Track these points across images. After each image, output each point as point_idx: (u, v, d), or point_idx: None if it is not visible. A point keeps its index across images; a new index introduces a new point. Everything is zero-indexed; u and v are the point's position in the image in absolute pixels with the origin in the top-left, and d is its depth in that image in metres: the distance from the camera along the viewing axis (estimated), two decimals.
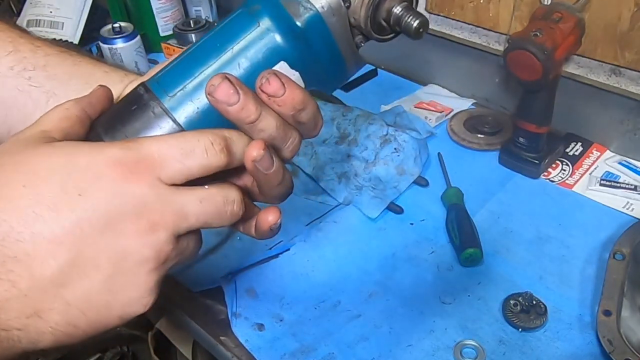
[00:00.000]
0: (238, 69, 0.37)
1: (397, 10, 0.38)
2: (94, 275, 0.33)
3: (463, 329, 0.62)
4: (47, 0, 1.16)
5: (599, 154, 0.85)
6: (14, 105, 0.46)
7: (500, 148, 0.85)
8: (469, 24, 0.94)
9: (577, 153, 0.85)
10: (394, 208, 0.78)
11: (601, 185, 0.79)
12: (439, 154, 0.86)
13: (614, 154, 0.85)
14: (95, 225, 0.32)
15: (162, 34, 1.19)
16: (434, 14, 0.98)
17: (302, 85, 0.38)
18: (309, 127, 0.39)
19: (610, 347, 0.57)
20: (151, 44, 1.17)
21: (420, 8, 0.99)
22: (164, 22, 1.18)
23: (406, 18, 0.37)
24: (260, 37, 0.37)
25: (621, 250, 0.67)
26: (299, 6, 0.36)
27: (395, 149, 0.81)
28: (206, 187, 0.36)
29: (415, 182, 0.81)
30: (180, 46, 1.13)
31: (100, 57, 0.52)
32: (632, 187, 0.78)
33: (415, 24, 0.38)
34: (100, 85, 0.42)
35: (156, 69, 0.44)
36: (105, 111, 0.40)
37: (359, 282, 0.68)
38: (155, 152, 0.34)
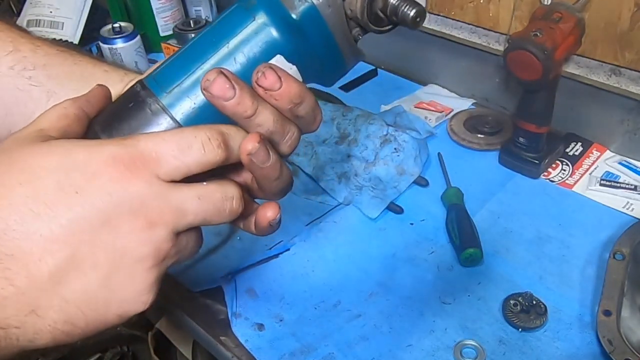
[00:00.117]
0: (234, 64, 0.37)
1: (394, 0, 0.37)
2: (92, 273, 0.33)
3: (463, 329, 0.62)
4: (47, 0, 1.16)
5: (599, 154, 0.85)
6: (15, 105, 0.46)
7: (500, 148, 0.85)
8: (469, 24, 0.94)
9: (577, 153, 0.85)
10: (394, 208, 0.78)
11: (601, 185, 0.79)
12: (439, 154, 0.86)
13: (614, 154, 0.85)
14: (92, 223, 0.32)
15: (162, 34, 1.19)
16: (434, 14, 0.98)
17: (300, 79, 0.38)
18: (307, 121, 0.39)
19: (610, 347, 0.57)
20: (151, 44, 1.17)
21: None
22: (164, 22, 1.18)
23: (403, 8, 0.37)
24: (256, 31, 0.37)
25: (621, 250, 0.67)
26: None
27: (395, 149, 0.81)
28: (204, 183, 0.36)
29: (415, 182, 0.81)
30: (180, 46, 1.13)
31: (100, 57, 0.52)
32: (632, 187, 0.78)
33: (412, 14, 0.37)
34: (98, 85, 0.42)
35: (155, 67, 0.44)
36: (103, 110, 0.40)
37: (359, 282, 0.68)
38: (152, 149, 0.34)
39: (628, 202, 0.76)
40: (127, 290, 0.34)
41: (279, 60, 0.37)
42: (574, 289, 0.66)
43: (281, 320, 0.64)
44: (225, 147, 0.35)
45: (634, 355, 0.56)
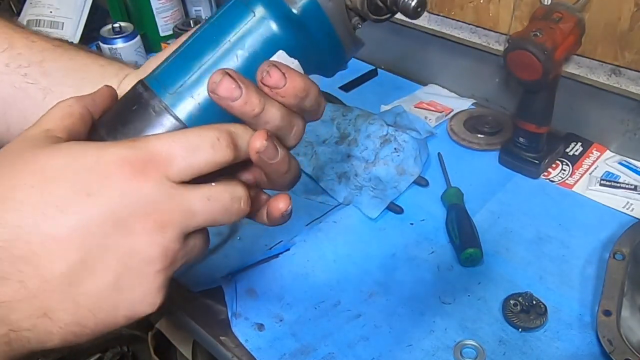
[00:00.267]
0: (236, 61, 0.37)
1: None
2: (103, 275, 0.33)
3: (463, 329, 0.62)
4: (47, 0, 1.16)
5: (599, 154, 0.85)
6: (12, 103, 0.46)
7: (500, 148, 0.85)
8: (469, 24, 0.94)
9: (577, 153, 0.85)
10: (394, 208, 0.78)
11: (601, 185, 0.79)
12: (439, 154, 0.86)
13: (614, 154, 0.85)
14: (103, 225, 0.32)
15: (162, 34, 1.19)
16: (434, 14, 0.98)
17: (302, 72, 0.38)
18: (312, 112, 0.39)
19: (610, 347, 0.57)
20: (151, 44, 1.17)
21: None
22: (164, 22, 1.18)
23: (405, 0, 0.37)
24: (257, 26, 0.37)
25: (621, 250, 0.67)
26: None
27: (395, 149, 0.81)
28: (213, 184, 0.36)
29: (415, 182, 0.81)
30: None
31: (97, 51, 0.52)
32: (632, 187, 0.78)
33: (413, 4, 0.37)
34: (105, 85, 0.42)
35: (153, 62, 0.43)
36: (107, 111, 0.40)
37: (359, 282, 0.68)
38: (161, 150, 0.34)
39: (628, 202, 0.76)
40: (136, 292, 0.34)
41: (280, 56, 0.37)
42: (574, 289, 0.66)
43: (281, 320, 0.64)
44: (234, 147, 0.35)
45: (634, 355, 0.56)
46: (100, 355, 1.07)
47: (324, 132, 0.85)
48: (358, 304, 0.66)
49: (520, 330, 0.62)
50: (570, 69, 0.85)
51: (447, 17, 0.96)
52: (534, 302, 0.63)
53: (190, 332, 0.67)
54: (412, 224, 0.76)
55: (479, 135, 0.89)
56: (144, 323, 0.94)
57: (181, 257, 0.35)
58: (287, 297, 0.67)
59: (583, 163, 0.84)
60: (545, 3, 0.80)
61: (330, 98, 0.97)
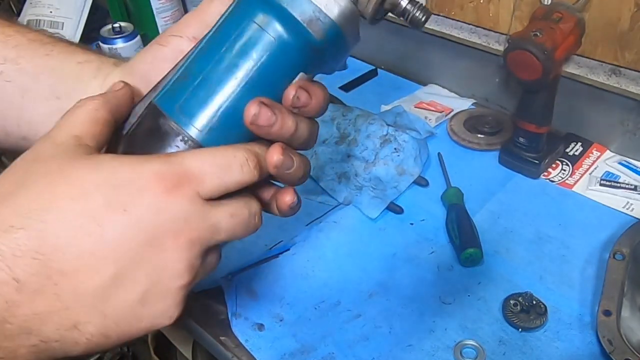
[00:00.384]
0: (262, 89, 0.37)
1: (404, 3, 0.38)
2: (132, 289, 0.34)
3: (463, 329, 0.62)
4: (47, 0, 1.16)
5: (599, 154, 0.85)
6: None
7: (500, 148, 0.85)
8: (469, 24, 0.94)
9: (577, 153, 0.85)
10: (394, 208, 0.78)
11: (601, 185, 0.79)
12: (439, 154, 0.86)
13: (614, 154, 0.85)
14: (138, 241, 0.33)
15: None
16: (434, 14, 0.98)
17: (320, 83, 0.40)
18: (323, 112, 0.41)
19: (610, 347, 0.57)
20: None
21: None
22: (164, 22, 1.18)
23: (414, 12, 0.38)
24: (281, 55, 0.37)
25: (621, 250, 0.67)
26: (317, 22, 0.36)
27: (395, 149, 0.81)
28: (233, 200, 0.37)
29: (415, 182, 0.81)
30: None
31: (78, 44, 0.50)
32: (632, 187, 0.78)
33: (423, 19, 0.39)
34: (122, 82, 0.41)
35: (139, 59, 0.43)
36: (128, 135, 0.40)
37: (359, 282, 0.68)
38: (195, 168, 0.35)
39: (628, 202, 0.76)
40: (159, 306, 0.35)
41: (301, 77, 0.38)
42: (574, 289, 0.66)
43: (281, 320, 0.64)
44: (260, 168, 0.37)
45: (634, 355, 0.56)
46: (100, 355, 1.07)
47: (324, 132, 0.85)
48: (358, 304, 0.66)
49: (520, 330, 0.62)
50: (570, 69, 0.85)
51: (447, 17, 0.96)
52: (534, 302, 0.63)
53: (190, 332, 0.67)
54: (412, 224, 0.76)
55: (479, 135, 0.89)
56: None
57: (201, 273, 0.37)
58: (287, 297, 0.67)
59: (583, 163, 0.84)
60: (545, 3, 0.80)
61: (330, 98, 0.97)
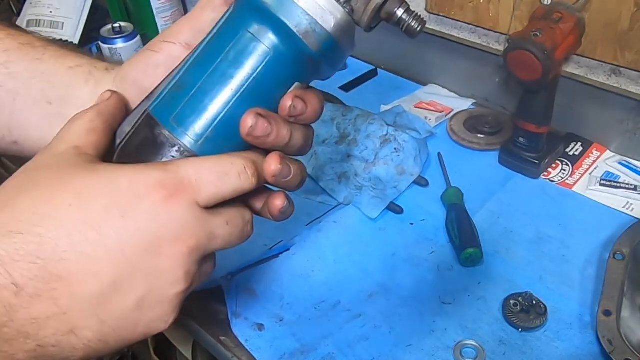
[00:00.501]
0: (258, 99, 0.37)
1: (399, 12, 0.38)
2: (130, 294, 0.34)
3: (463, 329, 0.62)
4: (47, 0, 1.16)
5: (599, 154, 0.85)
6: None
7: (500, 148, 0.85)
8: (468, 24, 0.94)
9: (577, 153, 0.85)
10: (394, 208, 0.78)
11: (601, 185, 0.79)
12: (439, 154, 0.86)
13: (614, 154, 0.85)
14: (136, 247, 0.33)
15: None
16: (434, 14, 0.98)
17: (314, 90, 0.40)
18: (319, 117, 0.41)
19: (610, 347, 0.57)
20: None
21: (420, 8, 0.99)
22: (164, 22, 1.18)
23: (409, 21, 0.39)
24: (276, 66, 0.37)
25: (621, 250, 0.67)
26: (313, 33, 0.36)
27: (395, 149, 0.81)
28: (228, 208, 0.37)
29: (415, 182, 0.81)
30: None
31: (71, 47, 0.49)
32: (632, 187, 0.78)
33: (418, 28, 0.39)
34: (113, 93, 0.42)
35: (131, 65, 0.43)
36: (123, 144, 0.40)
37: (359, 282, 0.68)
38: (193, 176, 0.35)
39: (628, 202, 0.76)
40: (156, 311, 0.35)
41: (296, 86, 0.38)
42: (574, 289, 0.66)
43: (281, 320, 0.64)
44: (257, 175, 0.37)
45: (634, 355, 0.56)
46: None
47: (324, 132, 0.85)
48: (358, 304, 0.66)
49: (520, 330, 0.61)
50: (570, 69, 0.85)
51: (447, 17, 0.96)
52: (534, 302, 0.63)
53: (190, 332, 0.67)
54: (412, 224, 0.76)
55: (479, 135, 0.89)
56: None
57: (197, 280, 0.37)
58: (287, 297, 0.67)
59: (583, 163, 0.84)
60: (545, 3, 0.80)
61: (330, 98, 0.97)
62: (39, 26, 1.15)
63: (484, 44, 0.94)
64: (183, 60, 0.40)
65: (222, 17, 0.39)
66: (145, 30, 1.16)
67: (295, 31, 0.36)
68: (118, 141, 0.41)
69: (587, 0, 0.77)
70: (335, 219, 0.76)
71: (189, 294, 0.38)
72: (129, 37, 1.07)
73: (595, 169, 0.83)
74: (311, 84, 0.41)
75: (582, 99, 0.84)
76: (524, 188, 0.81)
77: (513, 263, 0.69)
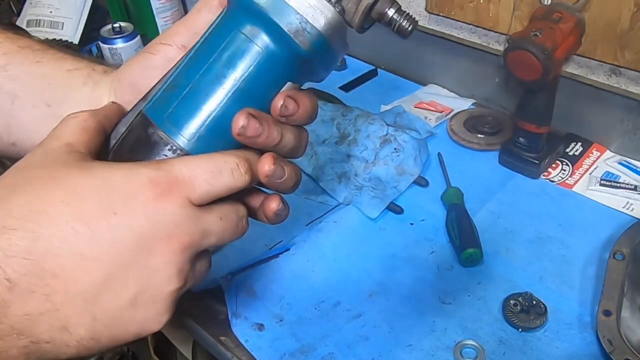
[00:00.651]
0: (250, 99, 0.38)
1: (390, 12, 0.39)
2: (122, 292, 0.34)
3: (463, 329, 0.62)
4: (47, 0, 1.16)
5: (599, 154, 0.85)
6: None
7: (500, 148, 0.85)
8: (468, 24, 0.94)
9: (577, 153, 0.85)
10: (394, 208, 0.78)
11: (601, 185, 0.79)
12: (439, 154, 0.86)
13: (614, 154, 0.85)
14: (128, 244, 0.33)
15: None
16: (434, 14, 0.98)
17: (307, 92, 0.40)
18: (313, 119, 0.41)
19: (610, 347, 0.57)
20: None
21: (420, 8, 0.99)
22: (164, 22, 1.18)
23: (400, 21, 0.39)
24: (268, 65, 0.37)
25: (621, 250, 0.67)
26: (304, 32, 0.36)
27: (395, 149, 0.81)
28: (221, 204, 0.37)
29: (415, 182, 0.81)
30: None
31: (72, 51, 0.49)
32: (632, 187, 0.78)
33: (409, 28, 0.39)
34: (112, 102, 0.42)
35: (130, 68, 0.43)
36: (118, 146, 0.40)
37: (359, 282, 0.68)
38: (186, 174, 0.35)
39: (628, 202, 0.76)
40: (149, 311, 0.35)
41: (288, 86, 0.39)
42: (574, 289, 0.66)
43: (281, 320, 0.64)
44: (251, 173, 0.37)
45: (634, 355, 0.56)
46: (100, 355, 1.07)
47: (324, 132, 0.85)
48: (358, 304, 0.66)
49: (520, 330, 0.62)
50: (570, 69, 0.85)
51: (447, 17, 0.96)
52: (534, 302, 0.63)
53: (190, 332, 0.67)
54: (412, 224, 0.76)
55: (479, 135, 0.89)
56: None
57: (191, 278, 0.37)
58: (287, 297, 0.67)
59: (583, 163, 0.84)
60: (545, 3, 0.80)
61: (330, 98, 0.97)
62: (39, 26, 1.15)
63: (484, 44, 0.94)
64: (178, 61, 0.41)
65: (216, 18, 0.39)
66: (145, 30, 1.16)
67: (286, 30, 0.36)
68: (113, 142, 0.41)
69: (587, 0, 0.77)
70: (335, 219, 0.76)
71: (187, 293, 0.38)
72: (129, 37, 1.07)
73: (595, 169, 0.83)
74: (308, 86, 0.41)
75: (582, 99, 0.84)
76: (524, 188, 0.81)
77: (513, 263, 0.69)
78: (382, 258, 0.71)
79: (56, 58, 0.46)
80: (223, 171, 0.36)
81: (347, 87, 1.05)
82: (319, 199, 0.80)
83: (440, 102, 0.98)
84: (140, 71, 0.44)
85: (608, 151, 0.85)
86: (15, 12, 1.26)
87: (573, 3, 0.76)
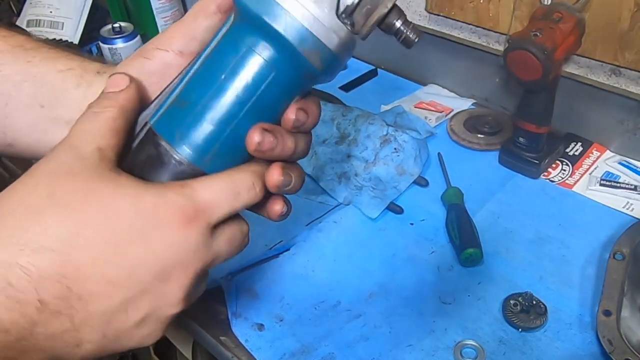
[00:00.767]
0: (262, 114, 0.38)
1: (398, 24, 0.39)
2: (134, 314, 0.35)
3: (463, 329, 0.62)
4: (47, 0, 1.16)
5: (599, 154, 0.85)
6: None
7: (500, 148, 0.85)
8: (469, 24, 0.94)
9: (577, 153, 0.85)
10: (394, 208, 0.78)
11: (601, 185, 0.79)
12: (439, 154, 0.86)
13: (614, 154, 0.85)
14: (151, 272, 0.35)
15: None
16: (434, 14, 0.98)
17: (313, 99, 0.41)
18: (317, 123, 0.42)
19: (610, 347, 0.57)
20: None
21: (420, 8, 0.99)
22: (164, 22, 1.18)
23: (407, 32, 0.39)
24: (280, 83, 0.37)
25: (621, 250, 0.67)
26: (317, 52, 0.36)
27: (395, 149, 0.81)
28: (230, 224, 0.39)
29: (415, 182, 0.81)
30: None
31: (63, 47, 0.48)
32: (632, 187, 0.78)
33: (415, 39, 0.40)
34: (124, 75, 0.40)
35: (125, 72, 0.42)
36: (128, 160, 0.39)
37: (359, 282, 0.68)
38: (209, 199, 0.36)
39: (628, 202, 0.76)
40: (151, 329, 0.37)
41: (297, 97, 0.39)
42: (574, 289, 0.66)
43: (281, 320, 0.64)
44: (263, 188, 0.39)
45: (634, 355, 0.56)
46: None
47: (324, 132, 0.85)
48: (358, 304, 0.66)
49: (520, 330, 0.62)
50: (570, 69, 0.85)
51: (447, 17, 0.96)
52: (534, 302, 0.63)
53: (190, 332, 0.67)
54: (412, 224, 0.76)
55: (479, 135, 0.89)
56: None
57: (191, 299, 0.39)
58: (287, 297, 0.67)
59: (583, 163, 0.84)
60: (545, 3, 0.80)
61: (330, 98, 0.97)
62: (39, 26, 1.15)
63: (484, 44, 0.94)
64: (183, 72, 0.40)
65: (222, 28, 0.39)
66: (145, 30, 1.16)
67: (300, 51, 0.36)
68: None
69: (587, 0, 0.77)
70: (335, 219, 0.76)
71: None
72: (129, 37, 1.07)
73: (595, 169, 0.83)
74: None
75: (582, 99, 0.84)
76: (524, 188, 0.81)
77: (513, 263, 0.69)
78: (382, 258, 0.71)
79: (48, 57, 0.46)
80: (241, 191, 0.37)
81: (347, 87, 1.05)
82: (319, 199, 0.80)
83: (440, 102, 0.98)
84: (137, 77, 0.43)
85: (608, 151, 0.85)
86: (15, 12, 1.25)
87: (573, 3, 0.76)
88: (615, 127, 0.83)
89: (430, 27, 1.00)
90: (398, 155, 0.81)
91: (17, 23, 1.17)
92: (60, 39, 1.12)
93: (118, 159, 0.38)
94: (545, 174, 0.83)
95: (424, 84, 1.04)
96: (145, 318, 0.36)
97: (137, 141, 0.40)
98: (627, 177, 0.80)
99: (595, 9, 0.77)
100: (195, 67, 0.39)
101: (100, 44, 1.08)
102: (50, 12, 1.15)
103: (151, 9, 1.16)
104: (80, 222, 0.33)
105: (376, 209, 0.76)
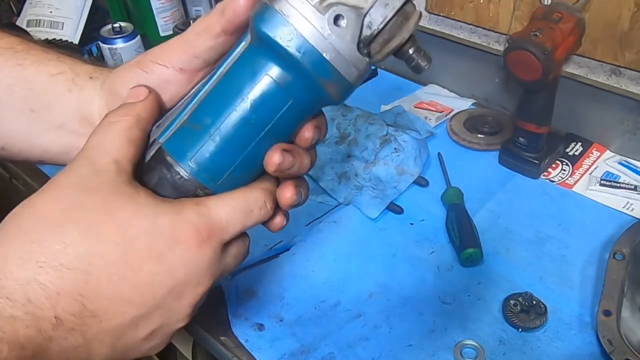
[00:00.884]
0: (277, 136, 0.38)
1: (411, 51, 0.39)
2: (144, 329, 0.36)
3: (463, 329, 0.62)
4: (47, 0, 1.16)
5: (599, 154, 0.85)
6: None
7: (500, 148, 0.85)
8: (469, 24, 0.94)
9: (577, 153, 0.85)
10: (394, 208, 0.78)
11: (601, 185, 0.79)
12: (439, 154, 0.86)
13: (614, 154, 0.85)
14: (164, 290, 0.36)
15: (162, 34, 1.19)
16: (434, 14, 0.98)
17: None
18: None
19: (610, 347, 0.57)
20: (151, 44, 1.17)
21: (420, 8, 0.99)
22: (164, 22, 1.18)
23: (418, 60, 0.39)
24: (297, 110, 0.38)
25: (621, 250, 0.67)
26: (336, 86, 0.36)
27: (395, 149, 0.81)
28: (236, 240, 0.40)
29: (415, 182, 0.81)
30: None
31: (55, 49, 0.47)
32: (632, 187, 0.78)
33: (426, 66, 0.40)
34: (147, 89, 0.40)
35: (122, 83, 0.41)
36: (141, 178, 0.39)
37: (359, 282, 0.68)
38: (224, 218, 0.37)
39: (628, 202, 0.76)
40: (157, 342, 0.38)
41: (310, 118, 0.40)
42: (574, 289, 0.66)
43: (281, 320, 0.64)
44: (274, 206, 0.40)
45: (634, 355, 0.56)
46: None
47: None
48: (358, 304, 0.66)
49: (520, 330, 0.62)
50: (570, 69, 0.85)
51: (447, 17, 0.96)
52: (534, 302, 0.63)
53: (190, 332, 0.67)
54: (412, 224, 0.76)
55: (479, 135, 0.89)
56: None
57: (195, 312, 0.40)
58: (287, 297, 0.67)
59: (583, 163, 0.84)
60: (545, 3, 0.80)
61: None
62: (39, 26, 1.15)
63: (484, 44, 0.94)
64: (194, 91, 0.40)
65: (235, 49, 0.38)
66: (145, 30, 1.16)
67: (319, 83, 0.36)
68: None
69: (587, 0, 0.77)
70: (335, 219, 0.76)
71: None
72: (129, 37, 1.07)
73: (595, 169, 0.83)
74: None
75: (582, 99, 0.84)
76: (524, 188, 0.81)
77: (513, 263, 0.69)
78: (382, 258, 0.71)
79: (39, 61, 0.44)
80: (254, 209, 0.38)
81: None
82: (319, 199, 0.80)
83: (440, 102, 0.98)
84: None
85: (608, 151, 0.85)
86: (15, 12, 1.25)
87: (573, 3, 0.76)
88: (615, 127, 0.83)
89: (430, 27, 1.00)
90: (398, 155, 0.81)
91: (17, 23, 1.17)
92: (60, 39, 1.12)
93: (134, 170, 0.38)
94: (545, 174, 0.83)
95: (424, 84, 1.04)
96: (154, 332, 0.37)
97: (147, 157, 0.39)
98: (627, 177, 0.80)
99: (595, 9, 0.77)
100: (207, 87, 0.38)
101: (100, 44, 1.08)
102: (50, 12, 1.15)
103: (151, 9, 1.16)
104: (100, 242, 0.34)
105: (376, 209, 0.76)
